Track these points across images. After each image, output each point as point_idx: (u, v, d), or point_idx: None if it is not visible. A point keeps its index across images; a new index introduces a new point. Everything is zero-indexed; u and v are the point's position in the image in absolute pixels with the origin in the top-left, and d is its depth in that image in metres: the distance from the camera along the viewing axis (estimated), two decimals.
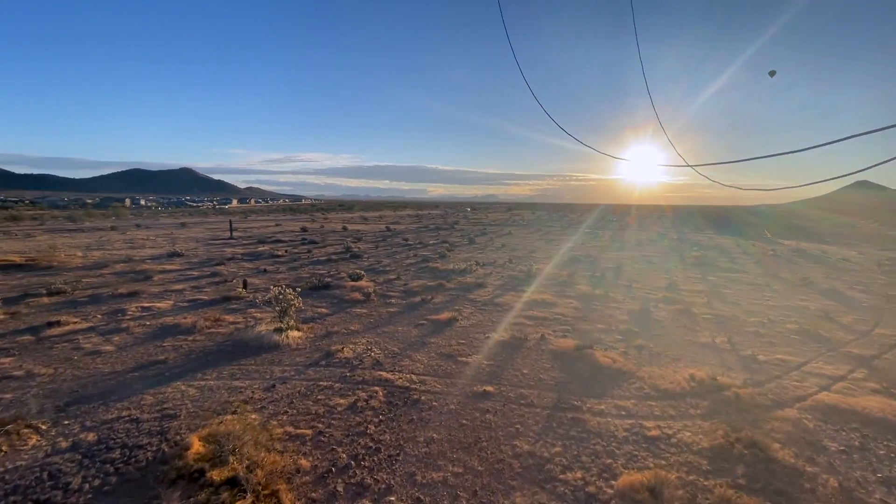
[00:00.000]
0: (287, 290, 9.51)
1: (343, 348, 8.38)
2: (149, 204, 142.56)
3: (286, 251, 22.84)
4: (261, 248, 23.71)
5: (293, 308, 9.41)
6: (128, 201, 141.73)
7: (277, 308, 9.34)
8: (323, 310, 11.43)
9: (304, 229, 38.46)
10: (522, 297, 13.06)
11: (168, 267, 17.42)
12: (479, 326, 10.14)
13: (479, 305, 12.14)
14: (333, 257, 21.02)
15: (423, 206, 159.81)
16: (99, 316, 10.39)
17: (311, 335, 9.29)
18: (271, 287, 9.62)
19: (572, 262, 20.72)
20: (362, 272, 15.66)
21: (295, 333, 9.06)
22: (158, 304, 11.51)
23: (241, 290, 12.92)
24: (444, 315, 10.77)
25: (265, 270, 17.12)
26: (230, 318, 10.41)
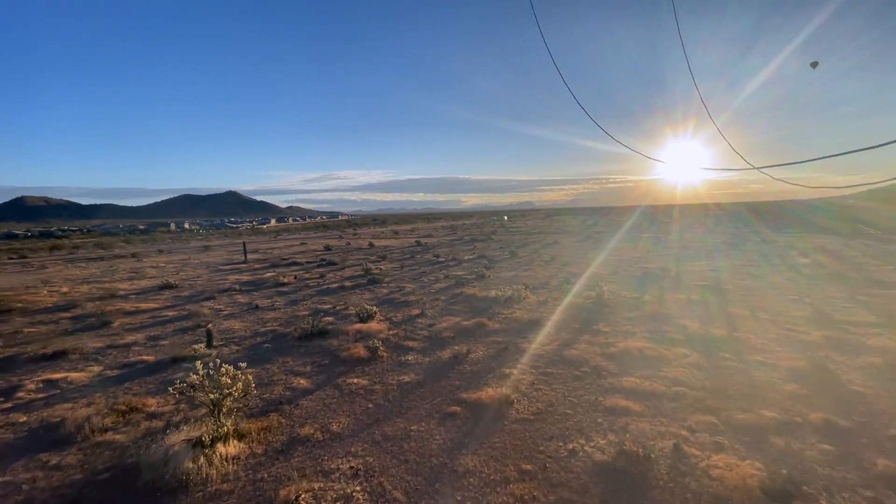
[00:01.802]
0: (225, 368, 5.67)
1: (301, 495, 4.37)
2: (192, 227, 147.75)
3: (295, 277, 19.37)
4: (267, 275, 20.41)
5: (229, 400, 5.54)
6: (173, 225, 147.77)
7: (210, 397, 5.52)
8: (302, 380, 7.52)
9: (327, 248, 35.40)
10: (605, 347, 8.64)
11: (145, 305, 14.26)
12: (550, 419, 5.87)
13: (542, 366, 7.84)
14: (347, 284, 17.29)
15: (458, 216, 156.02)
16: None
17: (259, 448, 5.36)
18: (197, 366, 5.73)
19: (649, 280, 15.93)
20: (375, 308, 11.73)
21: (228, 450, 5.15)
22: (74, 375, 8.00)
23: (201, 346, 9.28)
24: (489, 392, 6.57)
25: (257, 307, 13.58)
26: (155, 402, 6.70)
